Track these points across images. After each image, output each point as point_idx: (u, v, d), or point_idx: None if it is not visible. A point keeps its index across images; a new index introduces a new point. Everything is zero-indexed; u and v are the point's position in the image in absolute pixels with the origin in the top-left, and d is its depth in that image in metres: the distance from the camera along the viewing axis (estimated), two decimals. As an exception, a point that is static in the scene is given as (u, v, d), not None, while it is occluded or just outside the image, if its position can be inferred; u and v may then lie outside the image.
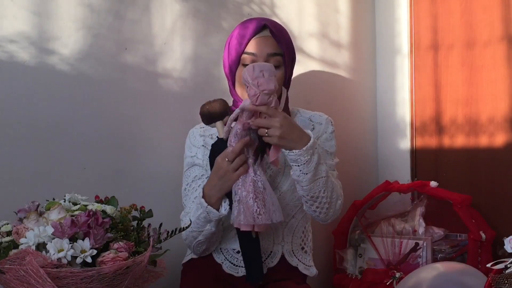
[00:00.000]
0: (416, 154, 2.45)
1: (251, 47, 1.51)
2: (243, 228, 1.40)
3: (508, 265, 1.28)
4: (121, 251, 1.10)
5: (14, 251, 1.10)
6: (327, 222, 1.56)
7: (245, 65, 1.50)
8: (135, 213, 1.25)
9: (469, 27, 2.28)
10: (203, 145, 1.60)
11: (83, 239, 1.08)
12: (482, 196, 2.23)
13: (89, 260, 1.07)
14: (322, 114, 1.66)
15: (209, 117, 1.45)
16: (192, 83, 1.84)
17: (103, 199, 1.28)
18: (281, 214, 1.41)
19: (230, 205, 1.43)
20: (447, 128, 2.35)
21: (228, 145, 1.41)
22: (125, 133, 1.70)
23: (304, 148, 1.39)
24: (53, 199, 1.22)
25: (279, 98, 1.53)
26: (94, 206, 1.20)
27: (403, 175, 2.42)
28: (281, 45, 1.52)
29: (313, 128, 1.61)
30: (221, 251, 1.59)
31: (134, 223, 1.23)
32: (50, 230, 1.09)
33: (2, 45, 1.44)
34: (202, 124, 1.56)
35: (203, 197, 1.44)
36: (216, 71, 1.88)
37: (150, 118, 1.75)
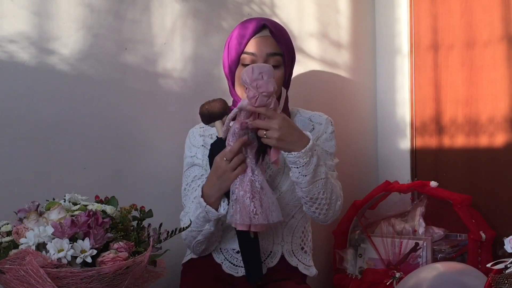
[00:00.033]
0: (416, 154, 2.45)
1: (250, 47, 1.51)
2: (239, 228, 1.40)
3: (508, 265, 1.28)
4: (121, 251, 1.10)
5: (14, 251, 1.11)
6: (326, 223, 1.57)
7: (244, 65, 1.50)
8: (135, 213, 1.25)
9: (469, 27, 2.28)
10: (202, 145, 1.60)
11: (83, 239, 1.08)
12: (482, 196, 2.23)
13: (89, 260, 1.07)
14: (322, 114, 1.66)
15: (208, 117, 1.45)
16: (192, 83, 1.84)
17: (103, 199, 1.28)
18: (280, 215, 1.41)
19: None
20: (447, 128, 2.35)
21: (226, 144, 1.41)
22: (125, 133, 1.70)
23: (303, 151, 1.39)
24: (53, 199, 1.22)
25: (279, 98, 1.53)
26: (94, 206, 1.20)
27: (403, 175, 2.42)
28: (280, 45, 1.52)
29: (313, 128, 1.61)
30: (221, 251, 1.59)
31: (134, 223, 1.23)
32: (50, 230, 1.09)
33: (2, 45, 1.45)
34: (202, 124, 1.57)
35: (202, 196, 1.44)
36: (216, 71, 1.88)
37: (150, 118, 1.75)
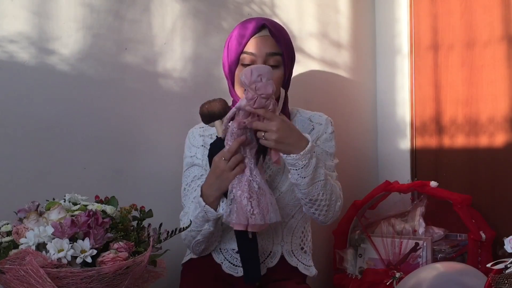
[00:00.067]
0: (416, 154, 2.45)
1: (250, 47, 1.51)
2: (235, 227, 1.40)
3: (508, 265, 1.28)
4: (121, 251, 1.10)
5: (14, 251, 1.11)
6: (326, 224, 1.57)
7: (244, 65, 1.50)
8: (135, 213, 1.25)
9: (469, 27, 2.28)
10: (202, 145, 1.60)
11: (83, 239, 1.08)
12: (482, 196, 2.23)
13: (89, 260, 1.07)
14: (322, 114, 1.66)
15: (208, 117, 1.45)
16: (192, 83, 1.84)
17: (103, 199, 1.28)
18: (278, 216, 1.41)
19: (229, 205, 1.43)
20: (447, 128, 2.35)
21: (225, 144, 1.41)
22: (125, 133, 1.70)
23: (301, 153, 1.39)
24: (53, 199, 1.22)
25: (278, 98, 1.53)
26: (94, 206, 1.20)
27: (403, 175, 2.42)
28: (280, 44, 1.52)
29: (313, 128, 1.61)
30: (221, 251, 1.59)
31: (134, 223, 1.23)
32: (50, 230, 1.09)
33: (2, 45, 1.45)
34: (202, 124, 1.57)
35: (201, 196, 1.44)
36: (216, 71, 1.88)
37: (150, 118, 1.75)
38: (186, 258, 1.66)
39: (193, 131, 1.65)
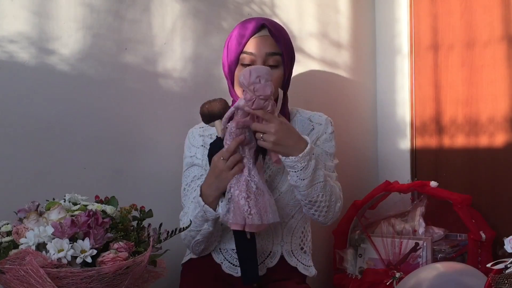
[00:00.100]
0: (416, 154, 2.45)
1: (250, 47, 1.51)
2: (232, 227, 1.40)
3: (508, 265, 1.28)
4: (121, 251, 1.10)
5: (14, 251, 1.11)
6: (326, 224, 1.57)
7: (244, 65, 1.50)
8: (135, 213, 1.25)
9: (469, 27, 2.28)
10: (202, 145, 1.60)
11: (83, 239, 1.08)
12: (482, 196, 2.23)
13: (89, 260, 1.07)
14: (321, 114, 1.66)
15: (208, 117, 1.45)
16: (192, 83, 1.84)
17: (103, 199, 1.28)
18: (276, 216, 1.41)
19: (229, 204, 1.43)
20: (447, 128, 2.35)
21: (224, 143, 1.41)
22: (125, 133, 1.70)
23: (300, 155, 1.39)
24: (53, 199, 1.22)
25: (277, 99, 1.53)
26: (94, 206, 1.20)
27: (403, 175, 2.42)
28: (279, 44, 1.52)
29: (313, 129, 1.61)
30: (220, 251, 1.59)
31: (134, 223, 1.23)
32: (50, 230, 1.09)
33: (2, 45, 1.44)
34: (202, 124, 1.57)
35: (200, 196, 1.44)
36: (216, 71, 1.88)
37: (150, 118, 1.75)
38: (186, 258, 1.66)
39: (193, 131, 1.65)
